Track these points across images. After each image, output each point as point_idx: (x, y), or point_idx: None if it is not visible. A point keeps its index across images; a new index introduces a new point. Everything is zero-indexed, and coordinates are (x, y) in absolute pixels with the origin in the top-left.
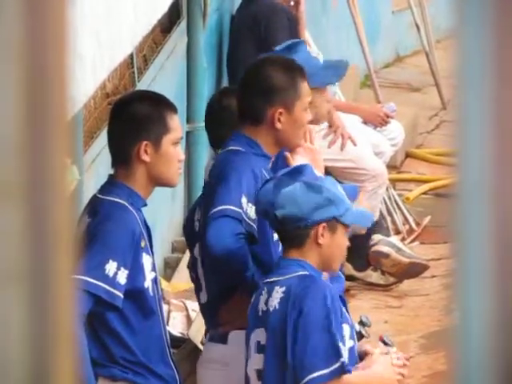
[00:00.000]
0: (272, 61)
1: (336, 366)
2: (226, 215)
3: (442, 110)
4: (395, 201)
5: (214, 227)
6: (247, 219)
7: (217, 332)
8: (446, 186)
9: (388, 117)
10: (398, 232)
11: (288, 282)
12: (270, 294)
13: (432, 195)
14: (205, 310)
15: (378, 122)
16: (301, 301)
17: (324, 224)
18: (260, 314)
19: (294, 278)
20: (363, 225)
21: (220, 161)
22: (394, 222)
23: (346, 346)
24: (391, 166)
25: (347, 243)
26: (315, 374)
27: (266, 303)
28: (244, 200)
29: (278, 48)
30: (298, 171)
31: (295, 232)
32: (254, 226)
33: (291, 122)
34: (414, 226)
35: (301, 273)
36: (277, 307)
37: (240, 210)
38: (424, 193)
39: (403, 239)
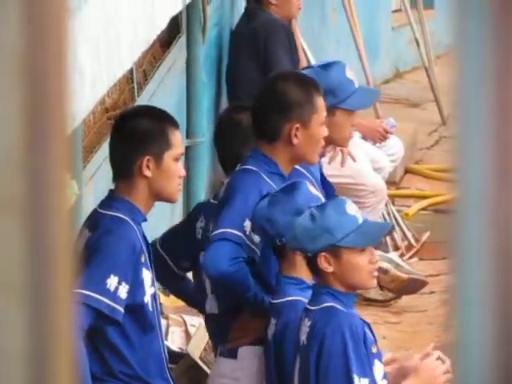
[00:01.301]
0: (286, 76)
1: None
2: (225, 238)
3: (442, 125)
4: (394, 216)
5: (211, 250)
6: (250, 243)
7: (225, 347)
8: (446, 201)
9: (387, 132)
10: (396, 248)
11: (314, 315)
12: (301, 323)
13: (431, 211)
14: (211, 322)
15: (378, 137)
16: (320, 340)
17: (323, 253)
18: (298, 341)
19: (319, 310)
20: (367, 244)
21: (231, 180)
22: (392, 238)
23: None
24: (390, 182)
25: (361, 260)
26: None
27: (300, 333)
28: (247, 224)
29: (314, 64)
30: (294, 187)
31: (307, 261)
32: (257, 250)
33: (308, 137)
34: (412, 241)
35: (326, 305)
36: (304, 342)
37: (241, 234)
38: (423, 209)
39: (402, 255)
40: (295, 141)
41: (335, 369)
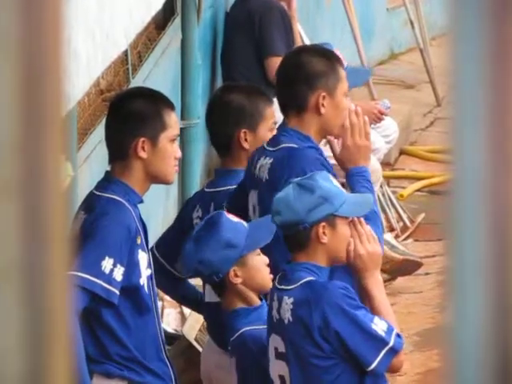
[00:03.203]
0: (307, 49)
1: (385, 350)
2: None
3: (437, 107)
4: (389, 198)
5: None
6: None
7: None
8: (441, 183)
9: (382, 114)
10: (391, 229)
11: (294, 292)
12: (280, 303)
13: (426, 192)
14: (211, 311)
15: (372, 119)
16: (320, 314)
17: (323, 223)
18: (274, 320)
19: (299, 287)
20: (362, 214)
21: (281, 159)
22: (387, 219)
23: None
24: (385, 163)
25: (349, 232)
26: (373, 366)
27: (278, 312)
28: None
29: None
30: (214, 222)
31: (296, 236)
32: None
33: (334, 107)
34: (407, 223)
35: (305, 280)
36: (290, 319)
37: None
38: (418, 190)
39: (397, 236)
40: (322, 110)
41: (354, 336)
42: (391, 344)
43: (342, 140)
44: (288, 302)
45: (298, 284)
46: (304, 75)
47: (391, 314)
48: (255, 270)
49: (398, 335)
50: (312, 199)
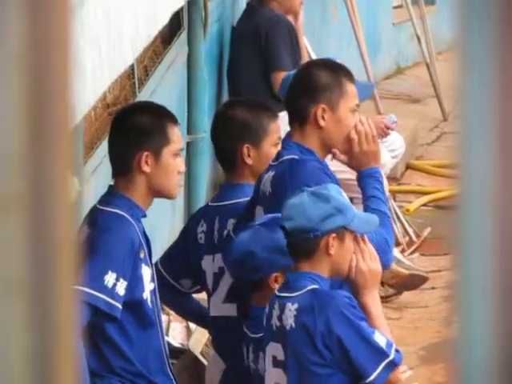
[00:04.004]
0: (317, 62)
1: (385, 363)
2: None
3: (443, 121)
4: (395, 212)
5: None
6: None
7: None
8: (447, 197)
9: (388, 128)
10: (397, 243)
11: (299, 299)
12: (282, 311)
13: (432, 207)
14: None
15: (379, 133)
16: (325, 321)
17: (334, 234)
18: (274, 328)
19: (304, 294)
20: (369, 230)
21: (282, 170)
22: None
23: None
24: (391, 178)
25: (353, 247)
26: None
27: (280, 319)
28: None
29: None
30: (277, 223)
31: (305, 243)
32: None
33: (335, 121)
34: (413, 237)
35: (310, 287)
36: (293, 326)
37: None
38: (424, 204)
39: (403, 251)
40: (322, 123)
41: (357, 345)
42: (391, 357)
43: (350, 149)
44: (292, 308)
45: (303, 291)
46: (307, 88)
47: (388, 332)
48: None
49: (397, 350)
50: (327, 208)
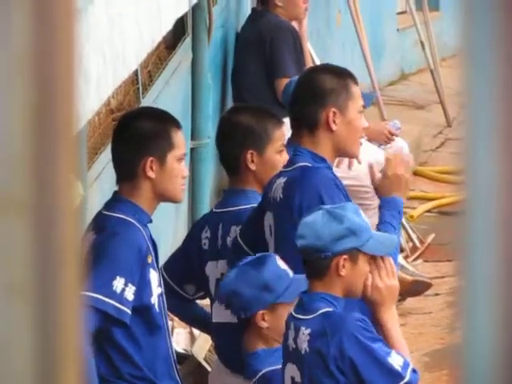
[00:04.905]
0: (321, 67)
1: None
2: None
3: (447, 127)
4: None
5: None
6: None
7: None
8: (450, 203)
9: (392, 134)
10: (401, 250)
11: (312, 323)
12: (297, 333)
13: (436, 213)
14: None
15: (383, 139)
16: (337, 345)
17: (345, 256)
18: (290, 349)
19: (316, 318)
20: (384, 253)
21: (294, 177)
22: None
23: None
24: None
25: (368, 269)
26: None
27: (295, 341)
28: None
29: None
30: (262, 262)
31: (316, 263)
32: None
33: (346, 124)
34: (417, 243)
35: (323, 311)
36: (307, 350)
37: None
38: (428, 211)
39: (407, 257)
40: (334, 127)
41: (370, 368)
42: (406, 379)
43: (384, 169)
44: (305, 332)
45: (316, 314)
46: (314, 93)
47: (406, 350)
48: (283, 321)
49: (414, 370)
50: (339, 229)
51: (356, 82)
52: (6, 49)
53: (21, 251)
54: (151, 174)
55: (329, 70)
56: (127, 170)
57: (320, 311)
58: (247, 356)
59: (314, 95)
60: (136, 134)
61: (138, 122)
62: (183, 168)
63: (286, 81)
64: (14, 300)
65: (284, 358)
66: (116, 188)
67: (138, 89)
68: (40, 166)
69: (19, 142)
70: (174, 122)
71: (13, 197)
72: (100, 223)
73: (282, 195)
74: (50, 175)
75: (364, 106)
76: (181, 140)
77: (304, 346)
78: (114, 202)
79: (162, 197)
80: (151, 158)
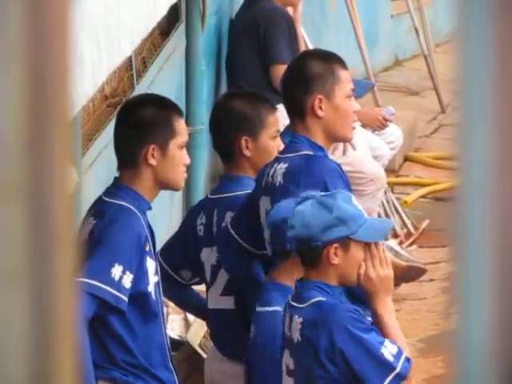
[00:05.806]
0: (309, 53)
1: (392, 376)
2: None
3: (441, 113)
4: (393, 204)
5: None
6: None
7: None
8: (445, 189)
9: (387, 120)
10: (395, 235)
11: (304, 312)
12: (290, 321)
13: (430, 199)
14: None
15: (377, 125)
16: (327, 336)
17: (336, 245)
18: (285, 336)
19: (309, 307)
20: (377, 239)
21: (299, 164)
22: None
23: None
24: (390, 170)
25: (363, 256)
26: None
27: (289, 329)
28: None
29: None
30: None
31: (308, 252)
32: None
33: (333, 110)
34: (412, 229)
35: (314, 300)
36: (299, 339)
37: None
38: (422, 196)
39: (401, 243)
40: (320, 113)
41: (360, 359)
42: (398, 370)
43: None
44: (297, 321)
45: (308, 303)
46: (301, 79)
47: (401, 340)
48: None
49: (408, 360)
50: (328, 219)
51: (344, 67)
52: (0, 36)
53: (16, 237)
54: (153, 162)
55: (316, 55)
56: (129, 157)
57: (312, 300)
58: (270, 286)
59: (301, 82)
60: (138, 121)
61: (141, 109)
62: (185, 156)
63: (280, 67)
64: (10, 286)
65: (282, 344)
66: (111, 174)
67: (132, 75)
68: (35, 153)
69: (14, 128)
70: (176, 110)
71: (9, 184)
72: (100, 209)
73: (282, 181)
74: (45, 161)
75: (356, 95)
76: (183, 128)
77: (296, 334)
78: (115, 189)
79: (163, 184)
80: (153, 146)
